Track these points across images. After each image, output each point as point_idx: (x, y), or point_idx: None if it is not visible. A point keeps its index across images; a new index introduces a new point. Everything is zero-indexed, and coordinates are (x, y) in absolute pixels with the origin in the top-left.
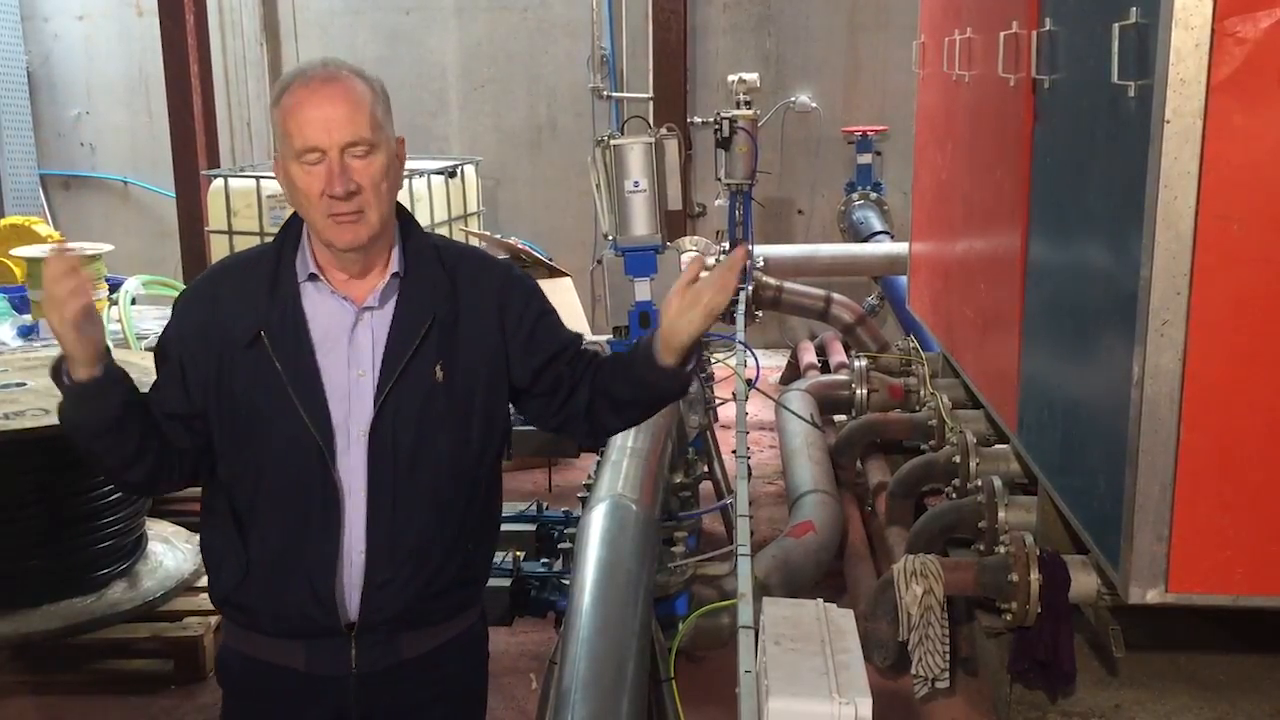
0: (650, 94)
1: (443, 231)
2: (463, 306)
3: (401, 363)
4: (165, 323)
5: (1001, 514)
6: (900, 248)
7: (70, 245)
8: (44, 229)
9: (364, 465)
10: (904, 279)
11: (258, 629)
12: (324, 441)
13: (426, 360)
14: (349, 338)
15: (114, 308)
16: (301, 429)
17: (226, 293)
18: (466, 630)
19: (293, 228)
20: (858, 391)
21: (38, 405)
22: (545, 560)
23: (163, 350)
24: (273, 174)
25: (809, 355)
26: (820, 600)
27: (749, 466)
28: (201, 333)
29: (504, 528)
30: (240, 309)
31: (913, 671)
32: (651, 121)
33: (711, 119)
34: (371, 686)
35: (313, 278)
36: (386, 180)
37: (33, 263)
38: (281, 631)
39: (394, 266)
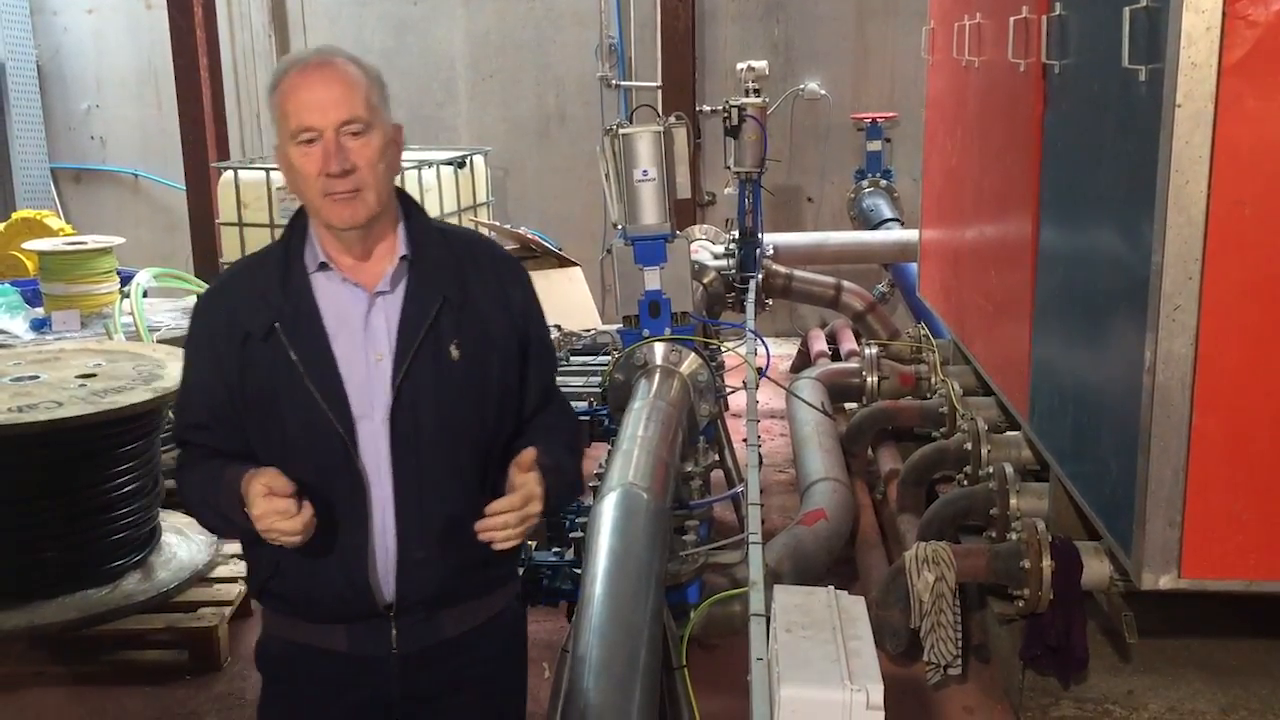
0: (659, 82)
1: (452, 222)
2: (470, 285)
3: (415, 344)
4: (177, 315)
5: (1013, 501)
6: (910, 235)
7: (84, 238)
8: (55, 222)
9: (387, 449)
10: (914, 266)
11: (298, 615)
12: (344, 429)
13: (441, 340)
14: (364, 324)
15: (125, 300)
16: (321, 418)
17: (239, 291)
18: (503, 611)
19: (299, 221)
20: (868, 379)
21: (51, 398)
22: (557, 549)
23: (186, 360)
24: None
25: (819, 343)
26: (832, 588)
27: (760, 455)
28: (219, 334)
29: None
30: (254, 305)
31: (925, 658)
32: (660, 110)
33: (720, 107)
34: (412, 667)
35: (323, 267)
36: (383, 161)
37: (45, 256)
38: (321, 617)
39: (401, 249)
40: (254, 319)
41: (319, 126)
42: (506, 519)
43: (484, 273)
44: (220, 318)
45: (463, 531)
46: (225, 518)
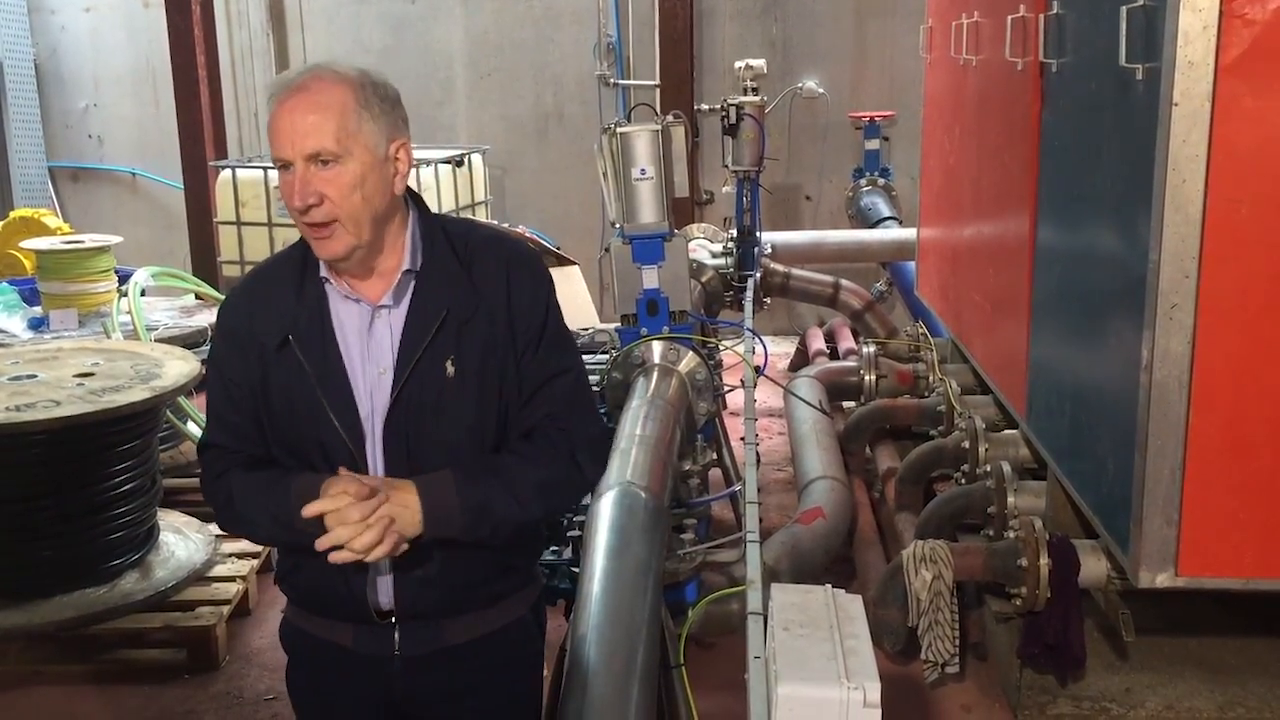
0: (657, 81)
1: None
2: (478, 296)
3: (414, 359)
4: (175, 314)
5: (1011, 499)
6: (908, 233)
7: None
8: (53, 221)
9: (383, 464)
10: (912, 264)
11: (310, 609)
12: (351, 440)
13: (438, 355)
14: (368, 336)
15: (123, 299)
16: (330, 428)
17: (259, 298)
18: (515, 623)
19: None
20: (866, 378)
21: (49, 397)
22: (554, 548)
23: (210, 366)
24: None
25: (817, 342)
26: (829, 586)
27: (758, 453)
28: (239, 341)
29: None
30: (271, 313)
31: (922, 657)
32: (658, 109)
33: (718, 106)
34: (415, 669)
35: (327, 280)
36: (360, 191)
37: (42, 255)
38: (329, 615)
39: (405, 263)
40: (271, 327)
41: (289, 158)
42: (345, 515)
43: (492, 283)
44: (243, 322)
45: (460, 549)
46: (286, 527)
